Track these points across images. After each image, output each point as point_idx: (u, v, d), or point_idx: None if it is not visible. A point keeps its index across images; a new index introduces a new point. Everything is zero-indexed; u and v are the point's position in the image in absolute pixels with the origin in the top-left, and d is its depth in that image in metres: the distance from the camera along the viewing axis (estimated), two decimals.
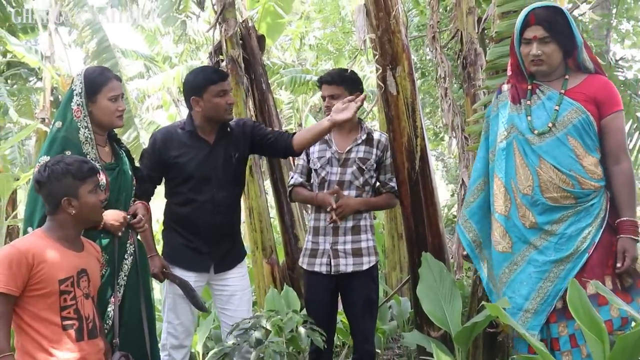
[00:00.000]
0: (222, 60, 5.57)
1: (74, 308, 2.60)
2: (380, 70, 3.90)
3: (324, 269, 3.65)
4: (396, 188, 3.85)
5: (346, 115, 3.33)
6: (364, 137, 3.71)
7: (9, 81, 12.64)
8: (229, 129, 3.62)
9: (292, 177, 3.87)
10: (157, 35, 15.93)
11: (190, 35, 14.19)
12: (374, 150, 3.73)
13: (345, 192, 3.64)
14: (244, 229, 6.07)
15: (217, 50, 5.63)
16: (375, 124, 16.15)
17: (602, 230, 2.87)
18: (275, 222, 6.22)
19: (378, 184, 3.86)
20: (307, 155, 3.79)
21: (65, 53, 12.32)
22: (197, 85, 3.53)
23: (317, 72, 11.61)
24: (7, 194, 7.42)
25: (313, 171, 3.79)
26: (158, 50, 16.65)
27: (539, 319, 2.91)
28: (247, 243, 5.90)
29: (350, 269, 3.64)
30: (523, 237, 2.98)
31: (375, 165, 3.73)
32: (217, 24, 5.56)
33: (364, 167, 3.67)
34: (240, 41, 5.56)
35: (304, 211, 5.96)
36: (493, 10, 3.87)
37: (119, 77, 3.24)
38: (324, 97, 3.76)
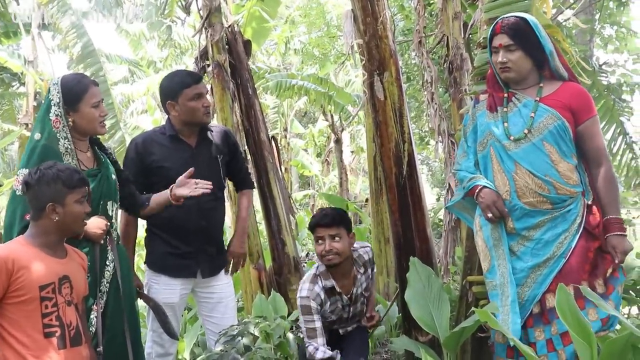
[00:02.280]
0: (208, 66, 5.55)
1: (55, 315, 2.56)
2: (368, 76, 3.90)
3: None
4: (375, 270, 3.86)
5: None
6: (362, 270, 3.60)
7: None
8: (210, 132, 3.60)
9: (317, 350, 3.36)
10: (142, 39, 15.85)
11: (176, 40, 14.13)
12: (369, 271, 3.67)
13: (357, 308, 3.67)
14: (231, 234, 6.03)
15: (203, 55, 5.60)
16: (360, 129, 16.22)
17: (578, 235, 2.91)
18: (262, 227, 6.19)
19: None
20: (318, 312, 3.46)
21: (49, 57, 12.23)
22: (171, 89, 3.50)
23: (303, 76, 11.60)
24: None
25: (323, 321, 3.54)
26: (142, 54, 16.57)
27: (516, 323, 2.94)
28: None
29: (355, 325, 3.73)
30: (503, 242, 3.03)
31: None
32: (203, 28, 5.54)
33: (367, 293, 3.68)
34: (227, 46, 5.54)
35: (291, 216, 5.95)
36: (480, 16, 3.89)
37: (97, 82, 3.18)
38: (319, 238, 3.47)
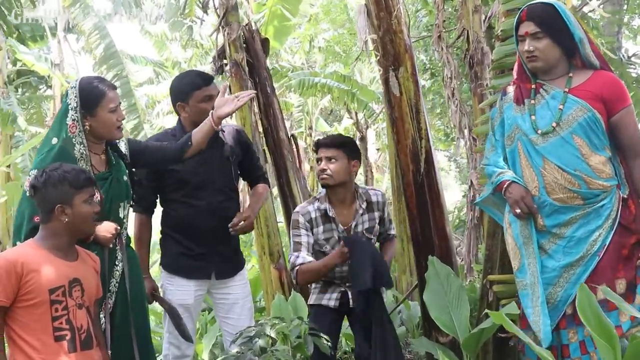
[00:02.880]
0: (226, 64, 5.52)
1: (65, 318, 2.55)
2: (383, 71, 3.83)
3: (332, 303, 3.58)
4: (394, 232, 3.84)
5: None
6: (364, 205, 3.60)
7: (19, 90, 12.72)
8: (221, 132, 3.56)
9: (297, 257, 3.47)
10: (165, 40, 15.94)
11: (198, 39, 14.19)
12: (376, 214, 3.65)
13: None
14: (252, 233, 6.01)
15: (221, 54, 5.59)
16: (383, 126, 16.12)
17: (613, 232, 2.78)
18: (283, 226, 6.16)
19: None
20: (307, 229, 3.55)
21: (75, 60, 12.37)
22: (181, 91, 3.49)
23: (326, 74, 11.56)
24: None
25: (318, 251, 3.59)
26: (167, 55, 16.65)
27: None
28: (254, 248, 5.86)
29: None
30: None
31: (378, 225, 3.68)
32: (220, 27, 5.52)
33: (371, 236, 3.62)
34: (244, 45, 5.51)
35: None
36: (498, 7, 3.79)
37: (114, 85, 3.16)
38: (319, 160, 3.57)
